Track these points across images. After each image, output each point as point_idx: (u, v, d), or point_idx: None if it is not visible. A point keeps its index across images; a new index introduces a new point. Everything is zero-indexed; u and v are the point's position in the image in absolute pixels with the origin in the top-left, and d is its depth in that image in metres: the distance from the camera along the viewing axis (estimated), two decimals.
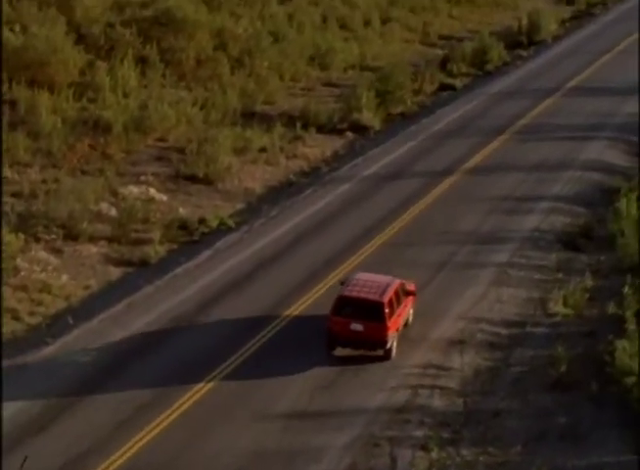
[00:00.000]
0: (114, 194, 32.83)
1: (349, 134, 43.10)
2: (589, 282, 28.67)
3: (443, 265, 29.20)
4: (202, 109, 42.32)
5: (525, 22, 65.17)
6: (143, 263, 28.77)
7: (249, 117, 44.31)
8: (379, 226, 31.64)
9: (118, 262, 28.71)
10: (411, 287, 26.04)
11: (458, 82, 52.34)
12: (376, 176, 36.55)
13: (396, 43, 61.40)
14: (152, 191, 33.40)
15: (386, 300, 23.94)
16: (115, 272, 28.12)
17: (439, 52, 60.40)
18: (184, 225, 31.31)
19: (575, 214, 34.04)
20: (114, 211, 31.30)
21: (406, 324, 25.60)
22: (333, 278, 27.71)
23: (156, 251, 29.25)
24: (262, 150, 39.42)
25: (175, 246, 30.13)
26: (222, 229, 31.60)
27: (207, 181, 35.27)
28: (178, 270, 28.14)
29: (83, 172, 34.45)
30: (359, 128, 43.56)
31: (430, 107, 47.62)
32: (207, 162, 36.09)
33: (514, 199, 34.87)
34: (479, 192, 35.25)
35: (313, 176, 37.10)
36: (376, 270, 26.15)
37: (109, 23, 50.20)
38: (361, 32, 61.03)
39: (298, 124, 42.47)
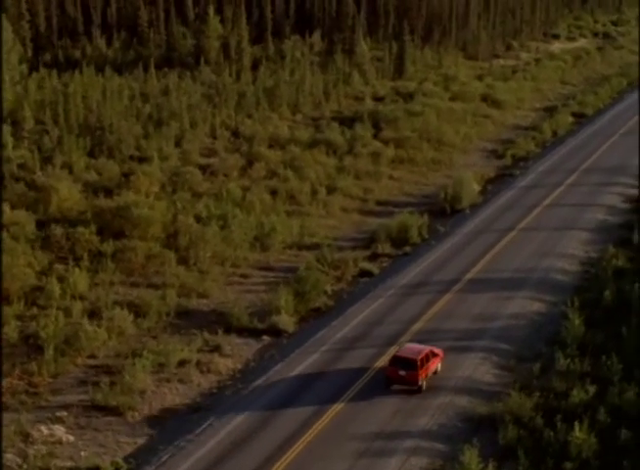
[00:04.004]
0: (25, 437, 30.88)
1: (266, 338, 41.05)
2: None
3: None
4: (137, 317, 40.50)
5: (450, 190, 62.99)
6: None
7: (183, 315, 42.57)
8: None
9: None
10: (439, 351, 37.09)
11: (376, 268, 50.16)
12: (268, 407, 34.19)
13: (336, 214, 59.49)
14: (61, 431, 31.34)
15: (419, 358, 35.17)
16: None
17: (375, 221, 58.49)
18: None
19: (434, 454, 31.62)
20: (17, 462, 29.37)
21: (435, 372, 36.62)
22: None
23: None
24: (181, 363, 37.54)
25: None
26: None
27: (118, 412, 33.28)
28: None
29: (5, 408, 32.65)
30: (275, 331, 41.63)
31: (345, 300, 45.39)
32: (123, 389, 34.17)
33: (384, 436, 32.48)
34: (353, 429, 32.68)
35: (216, 400, 34.90)
36: None
37: (78, 216, 49.07)
38: (306, 206, 59.20)
39: (220, 330, 40.62)
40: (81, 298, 41.35)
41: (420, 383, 35.26)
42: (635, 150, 75.82)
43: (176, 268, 46.30)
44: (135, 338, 39.16)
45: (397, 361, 35.40)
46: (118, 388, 34.09)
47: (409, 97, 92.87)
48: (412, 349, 36.26)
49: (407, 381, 35.17)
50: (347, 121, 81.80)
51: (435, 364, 36.65)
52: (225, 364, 38.06)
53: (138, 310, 40.91)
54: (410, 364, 34.99)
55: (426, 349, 36.16)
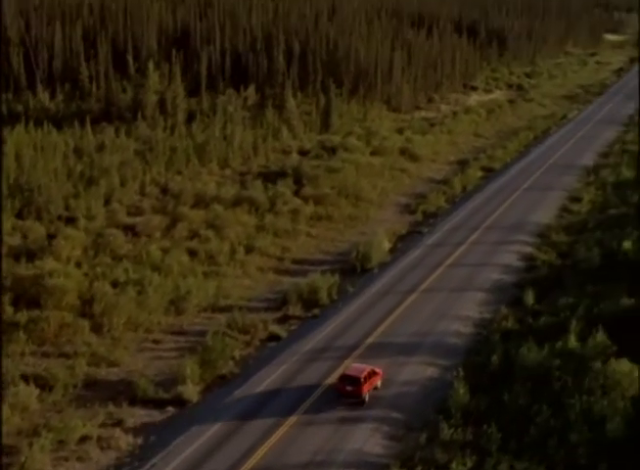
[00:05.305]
0: None
1: (170, 409, 39.75)
2: None
3: None
4: (43, 390, 38.96)
5: (361, 249, 62.48)
6: None
7: (91, 386, 41.08)
8: None
9: None
10: (379, 371, 41.52)
11: (285, 332, 49.19)
12: None
13: (252, 274, 58.41)
14: None
15: (362, 375, 39.82)
16: None
17: (290, 280, 57.50)
18: None
19: None
20: None
21: (376, 387, 41.01)
22: None
23: None
24: (82, 439, 36.03)
25: None
26: None
27: None
28: None
29: None
30: (180, 401, 40.34)
31: (251, 367, 44.25)
32: None
33: None
34: None
35: None
36: None
37: None
38: (224, 266, 58.02)
39: (125, 403, 39.22)
40: None
41: (363, 396, 39.83)
42: (532, 208, 77.04)
43: (89, 336, 44.85)
44: (39, 413, 37.62)
45: (345, 378, 40.10)
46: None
47: (332, 151, 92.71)
48: (357, 368, 40.95)
49: (353, 394, 39.63)
50: (273, 176, 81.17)
51: (376, 381, 41.25)
52: (126, 439, 36.69)
53: (45, 383, 39.42)
54: (355, 381, 39.65)
55: (368, 368, 40.90)
